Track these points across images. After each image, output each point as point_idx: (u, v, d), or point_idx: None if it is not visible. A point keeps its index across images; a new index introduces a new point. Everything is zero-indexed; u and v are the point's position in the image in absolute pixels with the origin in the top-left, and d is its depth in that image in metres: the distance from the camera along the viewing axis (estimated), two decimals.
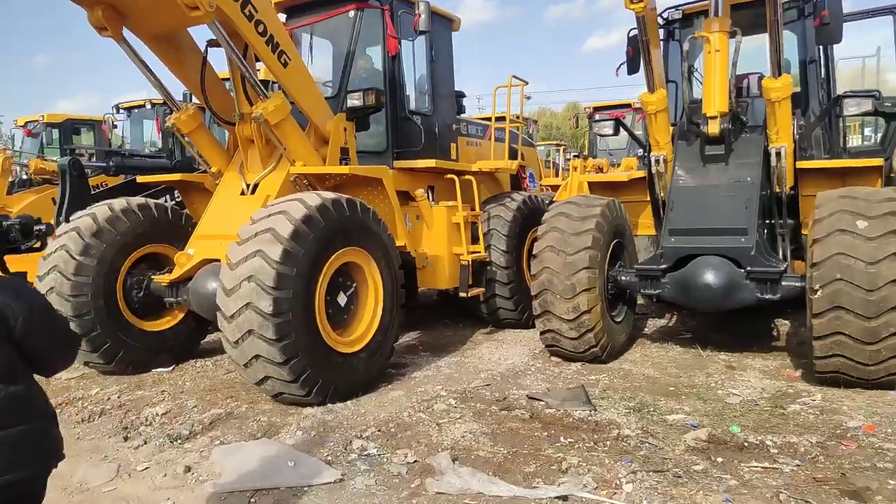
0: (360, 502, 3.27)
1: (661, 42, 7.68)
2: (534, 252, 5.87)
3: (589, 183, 7.00)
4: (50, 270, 5.25)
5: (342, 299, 4.85)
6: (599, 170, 14.58)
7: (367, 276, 5.09)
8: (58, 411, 4.72)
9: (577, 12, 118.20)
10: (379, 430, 4.16)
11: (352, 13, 6.28)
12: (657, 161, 6.37)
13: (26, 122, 14.57)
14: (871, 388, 4.74)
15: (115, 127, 13.76)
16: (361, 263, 5.02)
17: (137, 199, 5.79)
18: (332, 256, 4.66)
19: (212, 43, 5.48)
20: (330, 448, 3.90)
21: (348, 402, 4.72)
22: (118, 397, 5.02)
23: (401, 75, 6.42)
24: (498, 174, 8.15)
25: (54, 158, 12.72)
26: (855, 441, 3.87)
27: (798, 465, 3.57)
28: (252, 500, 3.32)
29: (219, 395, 4.99)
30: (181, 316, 6.02)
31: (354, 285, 5.02)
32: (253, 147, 5.72)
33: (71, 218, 5.54)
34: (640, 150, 15.62)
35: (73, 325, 5.03)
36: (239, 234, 4.48)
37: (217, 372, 5.73)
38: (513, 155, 8.76)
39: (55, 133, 14.03)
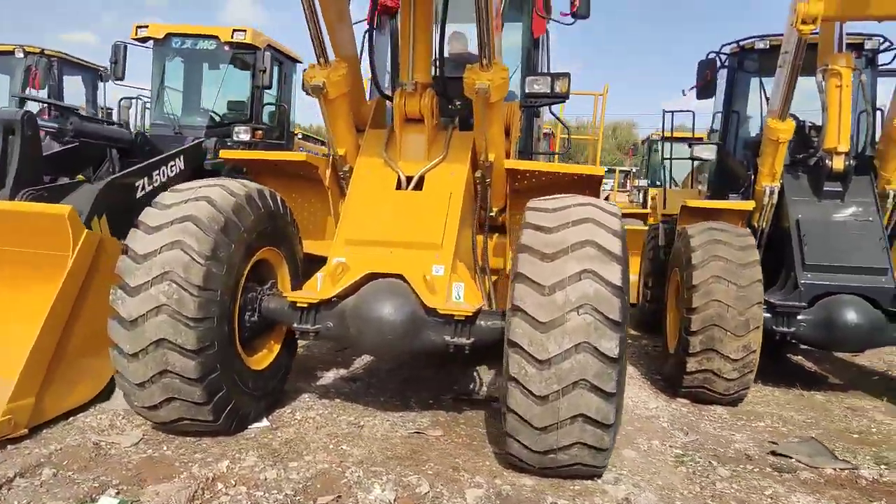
0: None
1: (728, 72, 7.65)
2: (694, 282, 5.25)
3: (686, 208, 6.57)
4: (157, 279, 3.40)
5: None
6: None
7: None
8: None
9: None
10: None
11: None
12: (772, 192, 6.18)
13: None
14: None
15: None
16: None
17: (251, 183, 4.07)
18: None
19: None
20: None
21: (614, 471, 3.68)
22: (297, 478, 3.35)
23: (539, 63, 5.43)
24: None
25: None
26: None
27: None
28: None
29: (456, 464, 3.58)
30: (277, 349, 4.38)
31: None
32: (413, 129, 4.37)
33: (167, 201, 3.69)
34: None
35: (191, 366, 3.35)
36: (530, 245, 3.25)
37: (339, 426, 4.20)
38: None
39: None
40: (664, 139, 8.93)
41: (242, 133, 6.99)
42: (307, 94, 4.31)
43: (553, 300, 3.08)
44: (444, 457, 3.73)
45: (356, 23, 5.80)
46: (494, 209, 4.70)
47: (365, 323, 3.74)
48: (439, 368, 5.76)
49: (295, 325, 3.97)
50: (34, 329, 3.75)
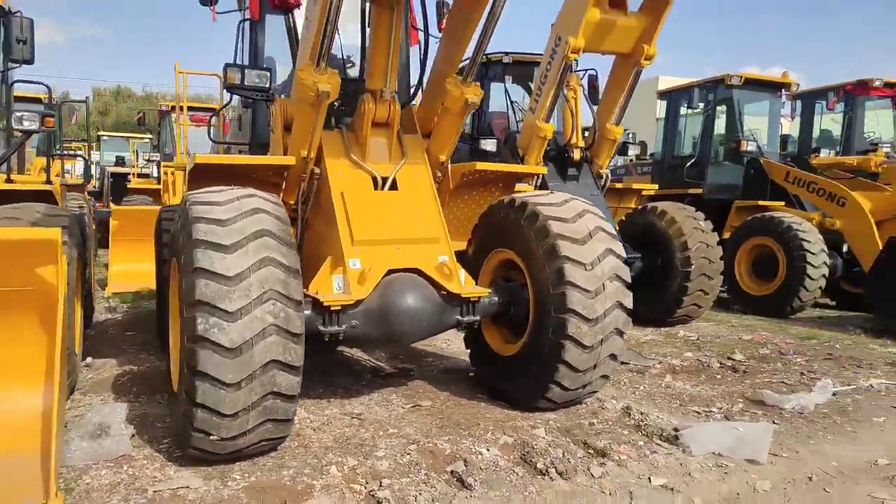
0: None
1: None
2: None
3: None
4: (257, 300, 3.22)
5: None
6: None
7: None
8: None
9: None
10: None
11: None
12: (539, 178, 8.03)
13: None
14: None
15: None
16: None
17: (266, 192, 3.85)
18: None
19: None
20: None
21: None
22: (406, 461, 3.61)
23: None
24: None
25: None
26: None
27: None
28: None
29: (494, 419, 4.21)
30: None
31: None
32: (379, 133, 4.68)
33: (218, 216, 3.37)
34: None
35: (294, 382, 3.48)
36: (562, 233, 4.15)
37: (345, 420, 4.41)
38: None
39: None
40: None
41: (26, 120, 5.55)
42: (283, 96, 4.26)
43: (594, 273, 4.11)
44: (477, 417, 4.39)
45: (227, 12, 5.57)
46: None
47: (398, 316, 4.10)
48: (322, 353, 5.95)
49: (321, 328, 4.02)
50: (47, 391, 3.06)
